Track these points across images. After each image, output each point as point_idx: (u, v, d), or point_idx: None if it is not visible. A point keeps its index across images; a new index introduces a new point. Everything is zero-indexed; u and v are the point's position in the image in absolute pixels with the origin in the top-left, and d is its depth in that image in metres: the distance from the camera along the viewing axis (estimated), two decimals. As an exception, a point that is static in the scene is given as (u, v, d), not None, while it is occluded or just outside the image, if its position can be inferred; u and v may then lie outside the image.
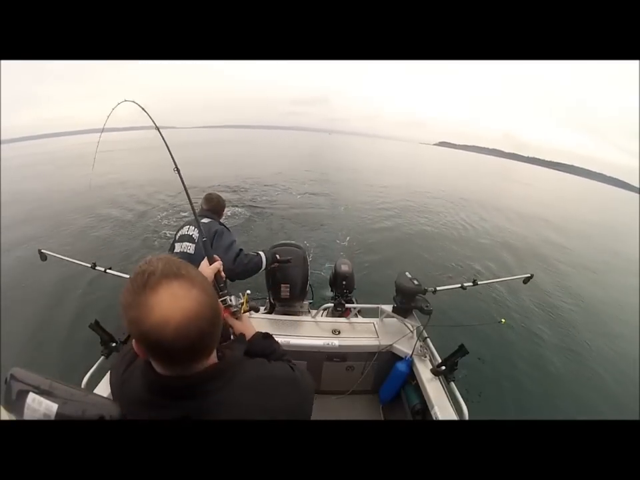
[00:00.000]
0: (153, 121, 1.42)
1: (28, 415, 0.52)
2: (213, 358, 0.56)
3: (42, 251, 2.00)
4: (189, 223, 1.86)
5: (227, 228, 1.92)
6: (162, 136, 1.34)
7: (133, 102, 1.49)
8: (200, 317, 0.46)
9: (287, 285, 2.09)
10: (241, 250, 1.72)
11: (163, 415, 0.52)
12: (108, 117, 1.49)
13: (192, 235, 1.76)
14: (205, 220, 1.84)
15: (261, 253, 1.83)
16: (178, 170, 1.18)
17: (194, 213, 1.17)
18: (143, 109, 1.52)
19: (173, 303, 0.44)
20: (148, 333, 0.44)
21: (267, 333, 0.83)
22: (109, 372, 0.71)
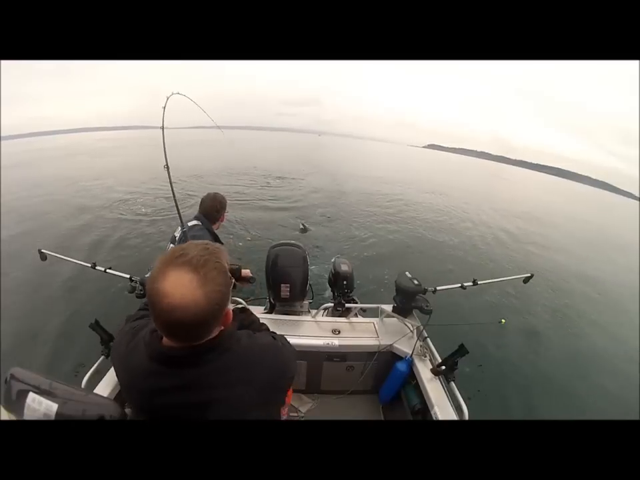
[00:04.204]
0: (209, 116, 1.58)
1: (28, 415, 0.52)
2: (215, 332, 0.61)
3: (42, 250, 1.99)
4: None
5: (211, 235, 1.88)
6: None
7: (184, 95, 1.61)
8: (184, 311, 0.51)
9: (287, 285, 2.08)
10: None
11: (164, 383, 0.56)
12: (164, 110, 1.64)
13: (175, 236, 1.77)
14: (191, 222, 1.82)
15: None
16: (168, 168, 1.26)
17: (179, 213, 1.16)
18: (194, 102, 1.68)
19: (176, 287, 0.51)
20: (151, 294, 0.52)
21: (243, 307, 0.90)
22: (111, 349, 0.77)
